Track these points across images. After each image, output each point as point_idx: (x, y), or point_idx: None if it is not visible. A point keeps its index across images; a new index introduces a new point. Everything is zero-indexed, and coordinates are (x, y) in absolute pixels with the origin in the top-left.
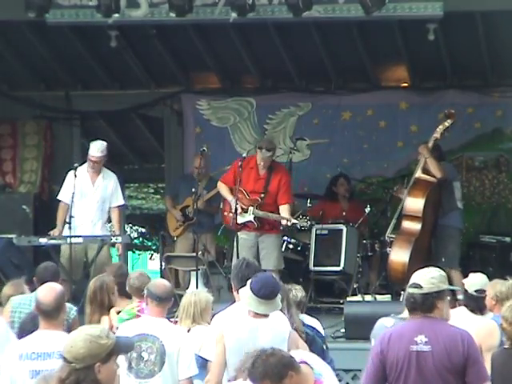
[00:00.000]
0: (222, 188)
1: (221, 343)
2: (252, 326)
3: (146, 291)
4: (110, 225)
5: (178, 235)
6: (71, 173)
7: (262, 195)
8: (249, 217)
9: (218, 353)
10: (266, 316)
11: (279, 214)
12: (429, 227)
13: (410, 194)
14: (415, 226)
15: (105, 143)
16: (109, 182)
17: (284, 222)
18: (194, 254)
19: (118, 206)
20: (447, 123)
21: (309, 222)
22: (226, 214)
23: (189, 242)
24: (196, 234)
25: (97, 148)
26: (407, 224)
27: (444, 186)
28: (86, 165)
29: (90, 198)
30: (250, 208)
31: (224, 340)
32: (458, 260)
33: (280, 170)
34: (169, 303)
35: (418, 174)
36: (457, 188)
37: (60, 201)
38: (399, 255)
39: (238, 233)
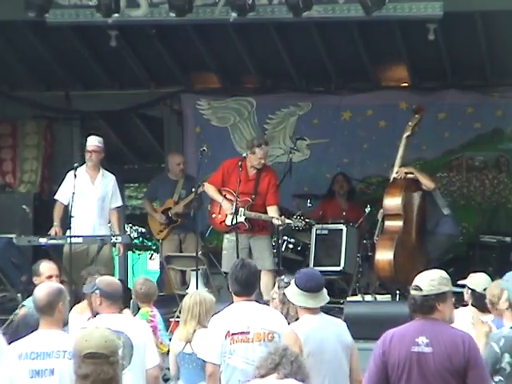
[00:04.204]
0: (210, 189)
1: (296, 344)
2: (318, 322)
3: (98, 291)
4: (109, 225)
5: (163, 238)
6: (71, 173)
7: (253, 196)
8: (240, 218)
9: None
10: (317, 312)
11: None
12: (412, 223)
13: (387, 194)
14: (397, 223)
15: (101, 138)
16: (108, 181)
17: (276, 222)
18: (194, 254)
19: (117, 208)
20: (415, 119)
21: (303, 222)
22: (214, 215)
23: (174, 243)
24: (195, 232)
25: (94, 138)
26: (389, 223)
27: (426, 198)
28: (84, 166)
29: (91, 197)
30: (241, 209)
31: (299, 342)
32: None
33: (268, 171)
34: (120, 301)
35: (393, 175)
36: (437, 196)
37: (56, 200)
38: (384, 254)
39: (228, 234)
